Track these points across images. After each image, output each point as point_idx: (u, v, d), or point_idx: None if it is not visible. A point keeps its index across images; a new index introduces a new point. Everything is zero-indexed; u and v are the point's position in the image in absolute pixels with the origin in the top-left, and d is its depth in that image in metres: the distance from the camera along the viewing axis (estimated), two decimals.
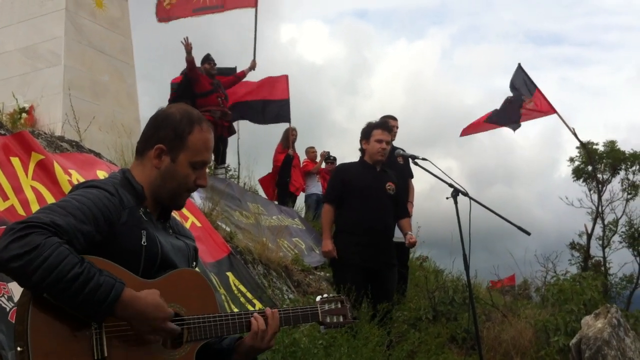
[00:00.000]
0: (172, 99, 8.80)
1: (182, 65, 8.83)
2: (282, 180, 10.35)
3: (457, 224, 3.88)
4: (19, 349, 1.63)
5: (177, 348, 1.88)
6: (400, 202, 5.41)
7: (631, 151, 14.76)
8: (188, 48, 8.32)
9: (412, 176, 6.76)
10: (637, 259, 15.00)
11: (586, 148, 13.97)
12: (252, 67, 9.87)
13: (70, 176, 3.69)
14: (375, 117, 5.50)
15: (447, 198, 3.96)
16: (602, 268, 14.76)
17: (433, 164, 4.14)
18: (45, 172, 3.59)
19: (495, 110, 11.36)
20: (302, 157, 11.22)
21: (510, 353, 5.85)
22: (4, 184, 3.30)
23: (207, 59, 8.89)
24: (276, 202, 9.56)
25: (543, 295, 8.24)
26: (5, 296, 2.79)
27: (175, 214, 2.21)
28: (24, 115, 7.35)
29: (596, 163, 14.48)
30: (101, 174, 4.06)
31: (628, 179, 15.04)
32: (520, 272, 9.90)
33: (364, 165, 5.33)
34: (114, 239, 1.83)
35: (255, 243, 6.10)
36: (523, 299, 9.41)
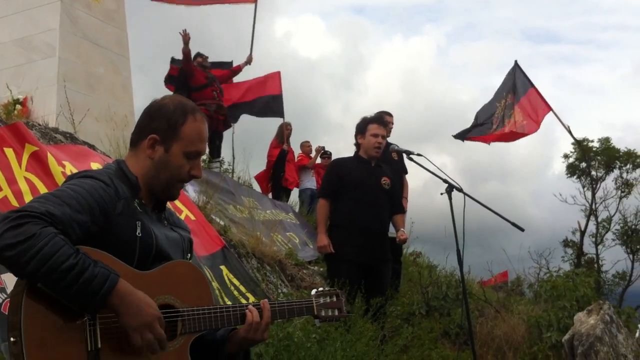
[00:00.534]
0: (168, 77, 8.99)
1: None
2: (276, 175, 10.35)
3: (451, 220, 3.88)
4: (12, 339, 1.62)
5: (171, 340, 1.87)
6: (395, 197, 5.41)
7: (625, 149, 14.85)
8: (186, 39, 8.38)
9: (406, 172, 6.76)
10: (630, 256, 15.10)
11: (581, 146, 14.03)
12: (249, 61, 9.90)
13: (64, 168, 3.68)
14: (371, 113, 5.48)
15: (441, 194, 3.97)
16: (595, 265, 14.85)
17: (428, 159, 4.14)
18: (39, 163, 3.58)
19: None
20: (297, 152, 11.22)
21: (502, 348, 5.87)
22: None
23: (198, 54, 8.97)
24: (270, 197, 9.57)
25: (536, 292, 8.28)
26: None
27: (169, 206, 2.20)
28: (18, 106, 7.31)
29: (590, 160, 14.55)
30: (95, 166, 4.04)
31: (622, 177, 15.13)
32: (513, 269, 9.97)
33: (359, 160, 5.32)
34: (109, 230, 1.82)
35: (249, 237, 6.09)
36: (516, 295, 9.44)
